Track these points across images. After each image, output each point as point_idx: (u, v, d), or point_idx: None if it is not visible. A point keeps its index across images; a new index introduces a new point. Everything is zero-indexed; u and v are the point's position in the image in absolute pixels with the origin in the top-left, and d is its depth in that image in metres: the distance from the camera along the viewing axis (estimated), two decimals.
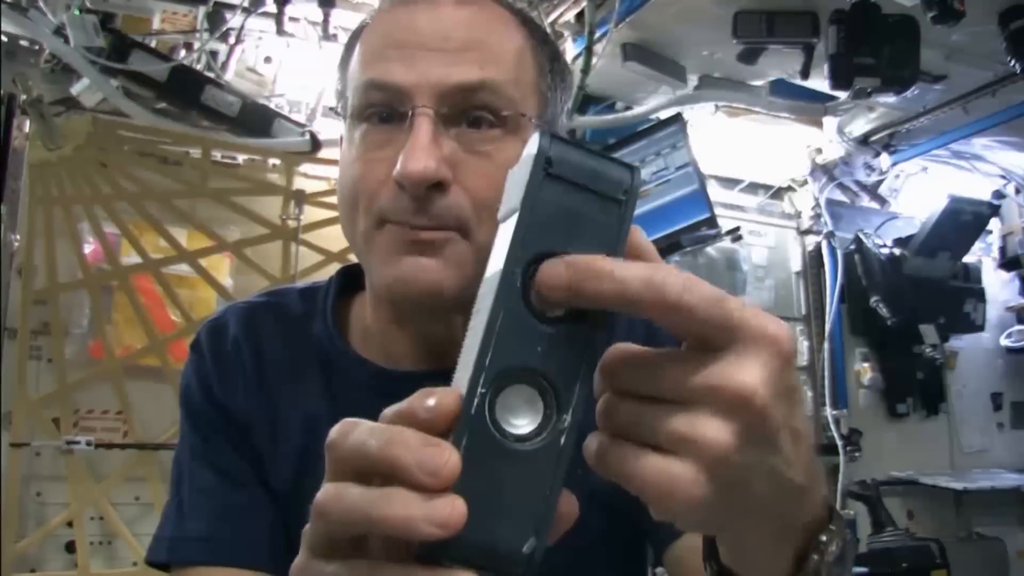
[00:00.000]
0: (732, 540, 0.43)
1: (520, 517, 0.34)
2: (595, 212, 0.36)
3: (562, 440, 0.35)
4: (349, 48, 0.73)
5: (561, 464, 0.35)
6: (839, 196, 3.07)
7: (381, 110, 0.67)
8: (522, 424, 0.35)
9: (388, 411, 0.36)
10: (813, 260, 3.02)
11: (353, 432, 0.35)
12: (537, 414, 0.35)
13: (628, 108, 2.53)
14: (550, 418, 0.35)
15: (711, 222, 2.43)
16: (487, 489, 0.34)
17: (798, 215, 3.06)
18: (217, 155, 2.31)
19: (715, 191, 2.77)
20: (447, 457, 0.33)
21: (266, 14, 2.09)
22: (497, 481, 0.34)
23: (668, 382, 0.36)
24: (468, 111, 0.66)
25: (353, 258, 0.75)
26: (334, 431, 0.36)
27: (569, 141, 0.36)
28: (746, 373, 0.35)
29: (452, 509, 0.32)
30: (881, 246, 2.98)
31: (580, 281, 0.34)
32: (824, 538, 0.43)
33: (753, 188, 2.98)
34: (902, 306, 2.90)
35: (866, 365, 3.04)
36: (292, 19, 2.12)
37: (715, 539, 0.46)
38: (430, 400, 0.34)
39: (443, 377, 0.37)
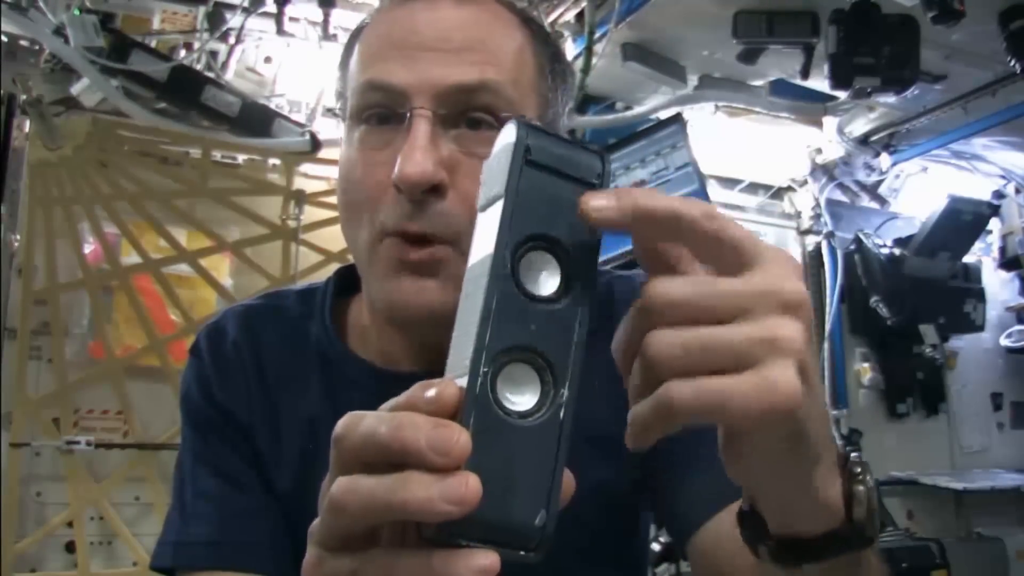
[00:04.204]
0: (796, 483, 0.42)
1: (529, 491, 0.35)
2: (573, 196, 0.37)
3: (562, 413, 0.36)
4: (348, 49, 0.72)
5: (563, 437, 0.36)
6: (839, 196, 3.07)
7: (379, 111, 0.66)
8: (523, 401, 0.36)
9: (386, 405, 0.36)
10: (813, 260, 3.02)
11: (361, 423, 0.35)
12: (536, 391, 0.36)
13: (628, 108, 2.53)
14: (548, 393, 0.36)
15: None
16: (495, 466, 0.34)
17: (798, 215, 3.06)
18: (217, 155, 2.31)
19: (715, 191, 2.77)
20: (457, 436, 0.33)
21: (266, 14, 2.09)
22: (504, 458, 0.35)
23: (729, 296, 0.36)
24: (467, 112, 0.65)
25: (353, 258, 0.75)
26: (340, 424, 0.36)
27: (541, 129, 0.38)
28: (788, 280, 0.37)
29: (467, 486, 0.33)
30: (881, 246, 2.98)
31: (636, 203, 0.36)
32: (858, 469, 0.44)
33: (753, 188, 2.99)
34: (902, 306, 2.90)
35: (866, 365, 3.04)
36: (292, 19, 2.13)
37: (753, 516, 0.46)
38: (430, 391, 0.35)
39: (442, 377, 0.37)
